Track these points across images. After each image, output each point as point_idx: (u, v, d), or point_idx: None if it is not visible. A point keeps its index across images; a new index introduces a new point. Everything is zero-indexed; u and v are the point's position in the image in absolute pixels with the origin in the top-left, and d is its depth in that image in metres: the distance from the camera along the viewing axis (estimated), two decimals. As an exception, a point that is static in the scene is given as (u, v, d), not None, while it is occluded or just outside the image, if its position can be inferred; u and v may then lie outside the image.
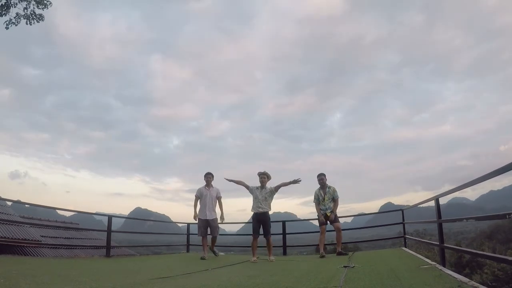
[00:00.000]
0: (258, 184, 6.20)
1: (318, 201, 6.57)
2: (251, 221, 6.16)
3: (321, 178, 6.56)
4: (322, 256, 6.02)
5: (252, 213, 6.15)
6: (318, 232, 6.62)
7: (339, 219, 6.50)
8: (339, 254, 6.22)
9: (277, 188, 6.18)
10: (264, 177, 6.17)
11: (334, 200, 6.45)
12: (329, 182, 6.56)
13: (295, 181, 5.99)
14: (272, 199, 6.19)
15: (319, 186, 6.62)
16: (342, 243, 6.67)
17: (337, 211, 6.49)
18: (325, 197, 6.46)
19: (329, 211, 6.38)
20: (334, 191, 6.49)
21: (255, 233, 6.00)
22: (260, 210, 6.01)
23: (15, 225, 8.06)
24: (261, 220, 6.02)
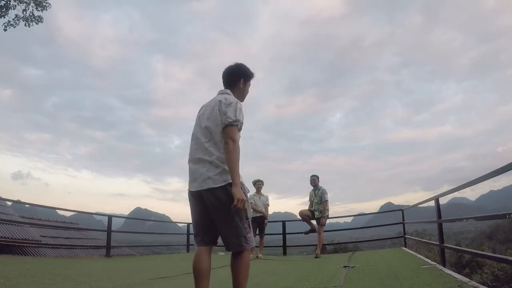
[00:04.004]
0: (254, 191, 6.78)
1: (311, 202, 6.59)
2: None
3: (313, 179, 6.58)
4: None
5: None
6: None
7: (343, 220, 6.52)
8: (316, 257, 6.15)
9: (266, 206, 6.80)
10: (260, 184, 6.83)
11: (322, 202, 6.36)
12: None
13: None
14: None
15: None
16: (343, 243, 6.73)
17: (330, 211, 6.49)
18: (315, 199, 6.49)
19: (317, 212, 6.39)
20: (323, 192, 6.41)
21: (254, 232, 6.39)
22: (259, 214, 6.61)
23: (15, 225, 8.05)
24: (259, 222, 6.66)
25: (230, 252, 1.95)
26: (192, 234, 10.18)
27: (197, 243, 1.98)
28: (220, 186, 1.85)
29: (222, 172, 1.87)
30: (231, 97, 2.03)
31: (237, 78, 2.17)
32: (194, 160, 2.00)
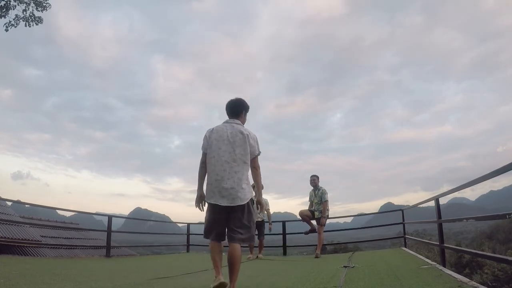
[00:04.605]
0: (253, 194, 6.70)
1: (311, 202, 6.57)
2: None
3: (313, 179, 6.55)
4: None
5: None
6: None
7: (338, 220, 6.51)
8: (316, 257, 6.14)
9: (267, 211, 6.96)
10: None
11: (322, 202, 6.33)
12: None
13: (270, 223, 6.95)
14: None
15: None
16: (343, 243, 6.72)
17: (330, 212, 6.48)
18: (315, 199, 6.47)
19: (317, 212, 6.39)
20: (323, 193, 6.38)
21: None
22: (258, 219, 6.57)
23: (15, 225, 8.05)
24: (258, 225, 6.58)
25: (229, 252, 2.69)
26: (192, 234, 10.16)
27: (212, 239, 2.75)
28: (245, 203, 2.69)
29: (246, 193, 2.69)
30: (251, 131, 2.86)
31: (241, 110, 2.95)
32: (223, 180, 2.66)
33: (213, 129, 2.85)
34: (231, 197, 2.64)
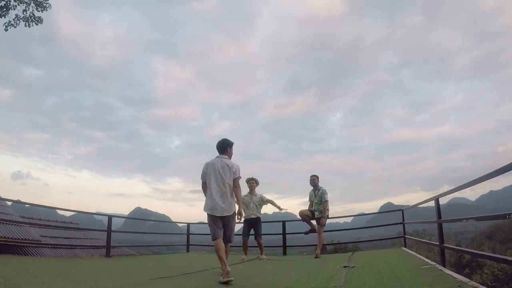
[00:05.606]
0: (247, 190, 6.64)
1: (311, 202, 6.56)
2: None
3: (313, 179, 6.54)
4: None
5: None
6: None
7: (337, 220, 6.48)
8: (316, 257, 6.11)
9: (267, 202, 6.76)
10: (253, 183, 6.63)
11: (322, 202, 6.32)
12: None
13: (280, 209, 6.96)
14: (262, 206, 6.72)
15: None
16: (343, 243, 6.70)
17: (330, 211, 6.47)
18: (315, 199, 6.46)
19: (317, 212, 6.38)
20: (323, 193, 6.36)
21: (246, 236, 6.49)
22: (253, 216, 6.51)
23: (15, 225, 8.04)
24: (253, 224, 6.52)
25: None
26: (192, 234, 10.24)
27: (218, 237, 3.86)
28: (231, 214, 3.95)
29: (231, 206, 3.93)
30: (234, 162, 4.08)
31: (226, 148, 4.15)
32: (217, 198, 3.88)
33: (208, 162, 4.05)
34: (222, 209, 3.85)
